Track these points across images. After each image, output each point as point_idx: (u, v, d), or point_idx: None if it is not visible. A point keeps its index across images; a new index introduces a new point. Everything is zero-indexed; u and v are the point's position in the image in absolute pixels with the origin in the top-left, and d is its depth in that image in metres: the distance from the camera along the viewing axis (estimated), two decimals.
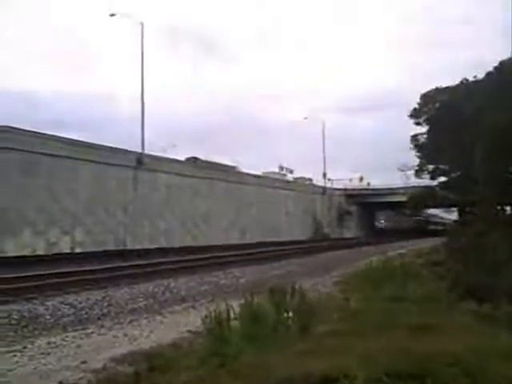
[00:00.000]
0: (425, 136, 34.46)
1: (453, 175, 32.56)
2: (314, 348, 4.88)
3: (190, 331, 6.96)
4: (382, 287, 9.77)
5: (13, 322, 8.13)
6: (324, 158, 60.89)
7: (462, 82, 30.29)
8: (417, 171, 36.42)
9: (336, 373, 3.37)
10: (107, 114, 79.81)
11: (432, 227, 76.90)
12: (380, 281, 10.85)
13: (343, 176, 70.30)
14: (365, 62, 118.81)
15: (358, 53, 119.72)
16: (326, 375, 3.34)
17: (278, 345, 5.14)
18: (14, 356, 6.16)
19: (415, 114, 34.79)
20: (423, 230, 71.07)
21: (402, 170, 40.05)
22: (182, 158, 39.36)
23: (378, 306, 7.58)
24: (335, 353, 4.23)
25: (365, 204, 64.69)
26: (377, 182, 69.14)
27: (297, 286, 8.94)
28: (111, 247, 28.23)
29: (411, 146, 35.71)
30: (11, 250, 23.81)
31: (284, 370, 3.58)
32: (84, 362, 5.77)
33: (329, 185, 63.74)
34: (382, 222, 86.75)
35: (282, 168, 58.50)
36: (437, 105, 32.50)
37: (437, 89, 33.62)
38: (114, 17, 36.03)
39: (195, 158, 41.29)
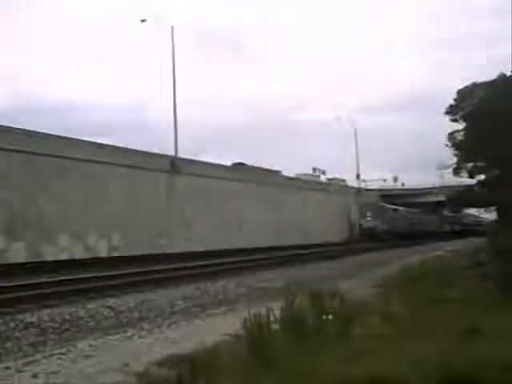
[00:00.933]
0: (462, 133, 33.67)
1: (492, 173, 31.71)
2: (359, 352, 4.76)
3: (229, 334, 6.90)
4: (423, 289, 9.53)
5: (55, 325, 8.25)
6: (357, 158, 60.40)
7: (499, 77, 29.46)
8: (454, 170, 35.59)
9: (386, 378, 3.25)
10: (138, 120, 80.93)
11: (468, 227, 68.94)
12: (421, 282, 10.60)
13: (377, 176, 69.48)
14: (391, 60, 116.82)
15: (384, 51, 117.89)
16: (376, 381, 3.23)
17: (320, 348, 5.04)
18: (58, 359, 6.23)
19: (451, 111, 34.00)
20: (455, 229, 67.55)
21: (440, 169, 39.16)
22: (211, 161, 39.63)
23: (420, 309, 7.37)
24: (382, 357, 4.11)
25: (399, 204, 64.06)
26: (411, 181, 68.11)
27: (335, 289, 8.84)
28: (147, 251, 28.56)
29: (448, 143, 34.97)
30: (50, 254, 24.33)
31: (331, 374, 3.49)
32: (126, 365, 5.78)
33: (363, 185, 63.08)
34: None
35: (314, 170, 58.23)
36: (474, 100, 31.66)
37: (474, 84, 32.73)
38: (143, 22, 36.66)
39: (241, 164, 41.48)
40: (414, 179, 73.92)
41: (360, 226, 52.38)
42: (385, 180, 67.96)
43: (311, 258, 24.02)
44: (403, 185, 68.64)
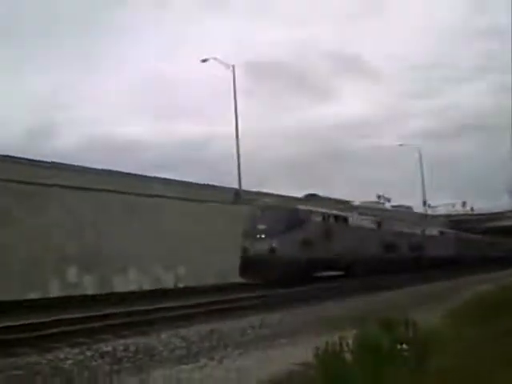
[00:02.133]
0: None
1: None
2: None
3: (301, 364, 6.84)
4: (501, 320, 9.04)
5: (130, 354, 8.44)
6: (422, 184, 58.86)
7: None
8: None
9: None
10: (200, 156, 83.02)
11: None
12: (497, 313, 10.06)
13: (445, 202, 67.43)
14: (455, 84, 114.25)
15: (446, 75, 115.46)
16: None
17: (398, 380, 4.89)
18: None
19: None
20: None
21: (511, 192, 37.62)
22: (274, 191, 39.93)
23: (498, 341, 7.00)
24: None
25: (469, 230, 61.70)
26: (481, 206, 65.59)
27: (407, 318, 8.56)
28: (212, 281, 28.77)
29: None
30: (119, 286, 25.07)
31: None
32: None
33: (430, 212, 61.39)
34: None
35: (379, 197, 57.39)
36: None
37: None
38: (205, 62, 37.88)
39: (313, 195, 41.92)
40: (483, 205, 71.03)
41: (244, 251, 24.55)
42: (453, 205, 65.84)
43: (379, 287, 23.37)
44: (472, 210, 66.25)
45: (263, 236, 23.88)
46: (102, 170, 27.48)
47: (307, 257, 24.37)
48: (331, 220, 28.80)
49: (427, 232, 43.52)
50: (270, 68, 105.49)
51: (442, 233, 47.68)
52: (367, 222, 33.58)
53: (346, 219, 30.67)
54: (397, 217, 47.96)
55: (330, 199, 42.19)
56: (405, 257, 35.56)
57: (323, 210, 29.20)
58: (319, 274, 27.40)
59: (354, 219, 31.96)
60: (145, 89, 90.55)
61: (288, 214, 25.37)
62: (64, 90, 75.55)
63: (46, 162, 25.68)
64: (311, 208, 28.44)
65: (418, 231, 41.36)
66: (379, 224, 34.69)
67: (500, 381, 3.91)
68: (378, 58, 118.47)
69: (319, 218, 27.43)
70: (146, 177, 29.86)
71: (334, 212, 30.85)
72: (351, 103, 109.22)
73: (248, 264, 23.64)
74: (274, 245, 23.34)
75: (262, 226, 24.34)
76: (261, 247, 23.57)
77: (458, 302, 14.70)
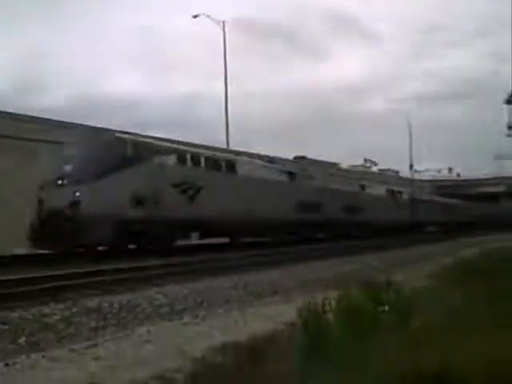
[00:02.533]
0: None
1: None
2: (417, 343, 4.66)
3: (284, 323, 6.93)
4: (484, 282, 9.19)
5: (114, 311, 8.51)
6: (410, 149, 59.05)
7: None
8: None
9: (451, 370, 3.17)
10: (189, 114, 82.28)
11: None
12: (482, 275, 10.23)
13: (431, 167, 67.84)
14: (448, 47, 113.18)
15: (441, 40, 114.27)
16: (441, 372, 3.16)
17: (379, 339, 4.97)
18: (119, 343, 6.44)
19: (511, 100, 32.78)
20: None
21: (499, 159, 37.91)
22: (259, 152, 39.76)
23: (482, 302, 7.12)
24: (444, 349, 4.01)
25: (455, 196, 62.34)
26: (467, 172, 66.12)
27: (389, 279, 8.67)
28: None
29: (509, 133, 33.73)
30: None
31: (392, 364, 3.44)
32: (183, 351, 5.89)
33: (416, 176, 61.80)
34: None
35: (366, 161, 57.55)
36: None
37: None
38: (196, 18, 37.05)
39: (302, 157, 41.92)
40: (470, 170, 71.67)
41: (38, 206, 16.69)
42: (439, 171, 66.30)
43: (364, 248, 23.62)
44: (458, 175, 66.83)
45: (65, 182, 16.12)
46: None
47: (145, 216, 17.12)
48: (199, 164, 20.58)
49: (370, 190, 36.44)
50: (264, 27, 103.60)
51: (392, 192, 40.41)
52: (271, 173, 25.59)
53: (231, 165, 22.77)
54: (328, 171, 39.35)
55: (316, 161, 42.26)
56: (329, 221, 28.32)
57: (186, 148, 21.63)
58: (181, 243, 20.44)
59: (246, 166, 23.88)
60: (134, 46, 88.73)
61: (110, 148, 17.05)
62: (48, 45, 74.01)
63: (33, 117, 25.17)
64: (160, 143, 20.69)
65: (355, 189, 34.25)
66: (292, 176, 27.32)
67: (479, 340, 4.00)
68: (376, 19, 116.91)
69: (172, 158, 19.38)
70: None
71: (207, 153, 22.50)
72: (346, 66, 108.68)
73: (40, 225, 15.94)
74: (77, 194, 15.74)
75: (66, 168, 16.45)
76: (59, 199, 15.89)
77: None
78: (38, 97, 72.20)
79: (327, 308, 5.98)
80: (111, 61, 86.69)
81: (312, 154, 43.93)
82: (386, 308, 6.70)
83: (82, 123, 27.39)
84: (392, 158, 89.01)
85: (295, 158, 41.69)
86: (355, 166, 54.62)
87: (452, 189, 61.91)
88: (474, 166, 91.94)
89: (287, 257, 18.58)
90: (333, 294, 6.64)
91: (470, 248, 23.52)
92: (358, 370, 3.49)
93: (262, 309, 8.85)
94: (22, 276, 11.52)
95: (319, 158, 43.26)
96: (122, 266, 13.82)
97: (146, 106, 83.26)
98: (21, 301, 8.81)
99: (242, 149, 36.91)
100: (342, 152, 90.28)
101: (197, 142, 33.45)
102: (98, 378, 4.95)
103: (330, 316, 5.89)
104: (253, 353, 5.25)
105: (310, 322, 5.56)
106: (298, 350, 4.77)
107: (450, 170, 67.25)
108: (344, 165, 49.58)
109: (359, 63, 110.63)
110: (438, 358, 3.27)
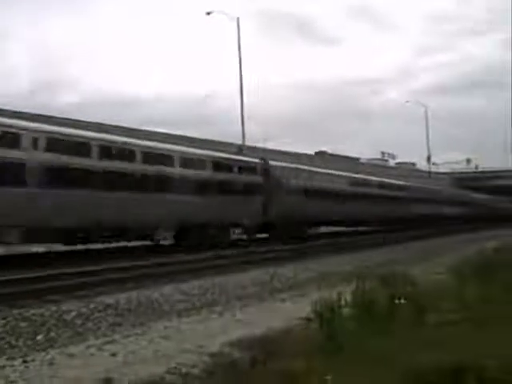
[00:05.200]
0: None
1: None
2: (434, 337, 4.64)
3: (300, 318, 6.93)
4: (502, 276, 9.06)
5: (132, 307, 8.58)
6: (427, 141, 58.42)
7: None
8: None
9: (466, 364, 3.14)
10: (205, 111, 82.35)
11: None
12: (499, 268, 10.08)
13: (450, 159, 67.12)
14: (466, 39, 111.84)
15: (457, 30, 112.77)
16: (456, 366, 3.13)
17: (393, 333, 4.95)
18: (136, 339, 6.49)
19: None
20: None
21: None
22: (278, 147, 39.80)
23: (499, 296, 7.04)
24: (459, 343, 3.98)
25: (474, 188, 61.58)
26: (485, 164, 65.18)
27: (406, 273, 8.62)
28: None
29: None
30: None
31: (409, 359, 3.42)
32: (200, 346, 5.92)
33: (434, 169, 61.15)
34: None
35: (383, 154, 57.16)
36: None
37: None
38: (210, 15, 37.00)
39: (323, 152, 42.05)
40: (488, 162, 70.65)
41: None
42: (457, 163, 65.45)
43: (381, 243, 23.51)
44: (477, 167, 65.89)
45: None
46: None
47: None
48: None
49: None
50: (280, 19, 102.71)
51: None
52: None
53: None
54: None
55: (337, 156, 42.22)
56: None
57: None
58: None
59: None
60: (146, 45, 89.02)
61: None
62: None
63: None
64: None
65: None
66: None
67: (491, 334, 3.96)
68: (392, 9, 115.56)
69: None
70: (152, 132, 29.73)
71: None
72: (362, 57, 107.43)
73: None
74: None
75: None
76: None
77: None
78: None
79: (342, 302, 5.98)
80: (123, 62, 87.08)
81: (332, 149, 43.96)
82: (403, 301, 6.67)
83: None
84: (410, 150, 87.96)
85: (316, 153, 41.80)
86: (373, 159, 54.30)
87: (470, 181, 61.09)
88: (493, 158, 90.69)
89: None
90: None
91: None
92: (372, 365, 3.48)
93: None
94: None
95: (338, 153, 43.12)
96: None
97: (157, 106, 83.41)
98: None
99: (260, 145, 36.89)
100: (361, 146, 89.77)
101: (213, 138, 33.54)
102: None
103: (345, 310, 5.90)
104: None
105: (325, 316, 5.56)
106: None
107: (469, 161, 66.31)
108: (363, 159, 49.33)
109: (376, 55, 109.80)
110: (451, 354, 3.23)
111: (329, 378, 3.52)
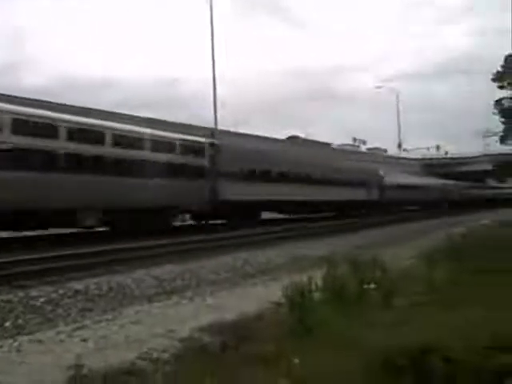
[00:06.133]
0: (510, 100, 32.50)
1: None
2: (401, 320, 4.74)
3: (271, 302, 6.98)
4: (469, 260, 9.29)
5: (102, 292, 8.52)
6: (399, 127, 59.20)
7: None
8: (502, 137, 34.55)
9: (432, 345, 3.23)
10: (173, 94, 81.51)
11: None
12: (467, 253, 10.32)
13: (420, 145, 68.04)
14: (437, 25, 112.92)
15: (430, 18, 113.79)
16: (422, 347, 3.21)
17: (362, 316, 5.05)
18: (107, 325, 6.46)
19: (499, 77, 32.78)
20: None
21: (487, 137, 38.15)
22: (249, 131, 39.57)
23: (467, 279, 7.22)
24: (425, 324, 4.08)
25: (443, 174, 62.64)
26: (455, 150, 66.33)
27: (375, 258, 8.74)
28: None
29: (495, 111, 33.87)
30: None
31: (376, 341, 3.49)
32: (171, 331, 5.93)
33: (404, 154, 62.00)
34: None
35: (354, 139, 57.62)
36: None
37: None
38: None
39: (295, 137, 41.94)
40: (458, 148, 71.79)
41: None
42: (428, 149, 66.46)
43: (350, 228, 23.71)
44: (446, 154, 67.01)
45: None
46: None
47: None
48: None
49: None
50: (254, 1, 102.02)
51: None
52: None
53: None
54: None
55: (309, 141, 42.25)
56: None
57: None
58: None
59: None
60: (119, 27, 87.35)
61: None
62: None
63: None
64: None
65: None
66: None
67: (458, 316, 4.08)
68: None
69: None
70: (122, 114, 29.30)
71: None
72: (334, 43, 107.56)
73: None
74: None
75: None
76: None
77: None
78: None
79: (313, 287, 6.05)
80: (92, 43, 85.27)
81: (305, 133, 44.04)
82: (372, 286, 6.79)
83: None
84: (381, 137, 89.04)
85: (288, 137, 41.77)
86: (344, 144, 54.66)
87: (440, 167, 62.11)
88: (463, 144, 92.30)
89: None
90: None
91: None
92: (341, 347, 3.54)
93: None
94: None
95: (310, 138, 43.20)
96: None
97: (127, 88, 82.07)
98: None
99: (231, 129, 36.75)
100: (333, 131, 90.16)
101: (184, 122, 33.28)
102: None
103: (316, 295, 5.97)
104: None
105: (295, 300, 5.62)
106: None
107: (438, 147, 67.42)
108: (334, 144, 49.57)
109: (347, 41, 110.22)
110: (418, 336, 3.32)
111: (297, 361, 3.56)
